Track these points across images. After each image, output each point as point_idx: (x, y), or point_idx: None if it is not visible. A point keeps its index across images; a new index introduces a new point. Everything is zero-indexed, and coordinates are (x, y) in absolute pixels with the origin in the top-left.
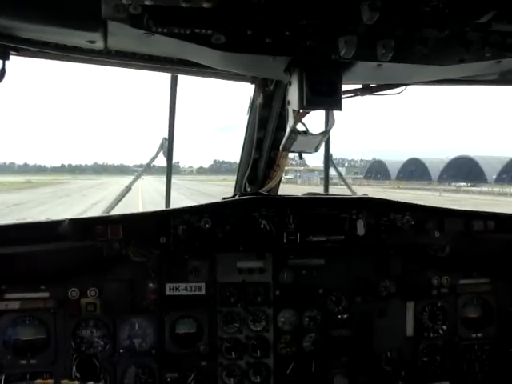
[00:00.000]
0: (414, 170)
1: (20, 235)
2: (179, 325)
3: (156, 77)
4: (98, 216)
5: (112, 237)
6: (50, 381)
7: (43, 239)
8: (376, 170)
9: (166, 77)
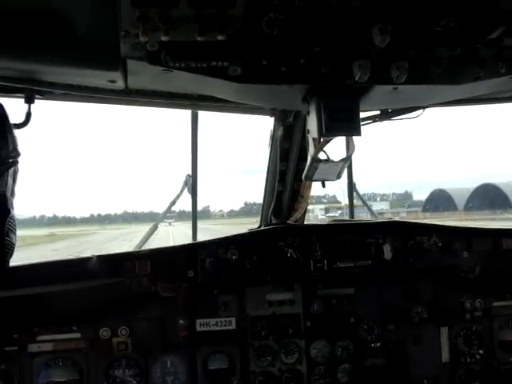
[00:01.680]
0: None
1: (48, 274)
2: (211, 360)
3: (177, 115)
4: (126, 252)
5: (140, 272)
6: None
7: (72, 277)
8: (435, 201)
9: (186, 114)
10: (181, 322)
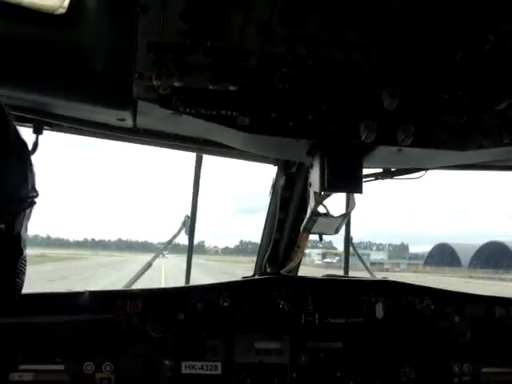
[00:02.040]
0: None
1: (38, 305)
2: None
3: (181, 154)
4: (119, 290)
5: (131, 311)
6: None
7: (62, 310)
8: (438, 256)
9: (190, 155)
10: (166, 362)
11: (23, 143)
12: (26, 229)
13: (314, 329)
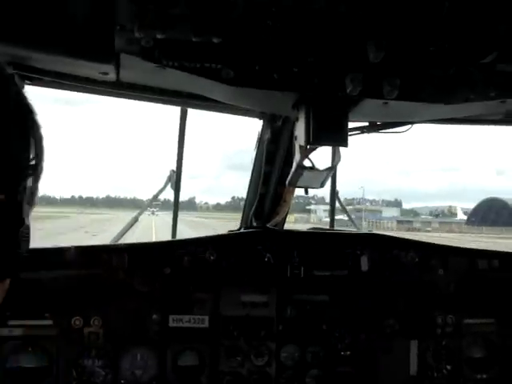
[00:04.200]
0: None
1: (26, 260)
2: (181, 357)
3: (166, 110)
4: (105, 244)
5: (117, 265)
6: None
7: (49, 266)
8: (484, 212)
9: (175, 110)
10: (154, 316)
11: (25, 106)
12: (33, 202)
13: (299, 282)
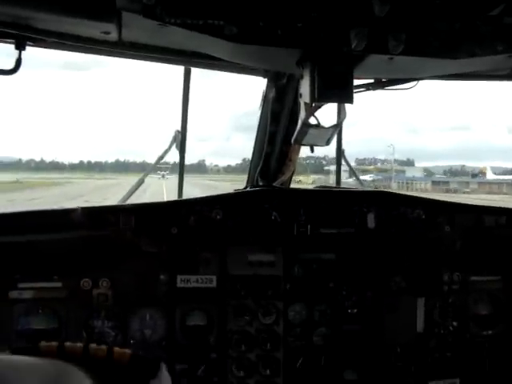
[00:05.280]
0: None
1: (33, 222)
2: (190, 317)
3: (172, 70)
4: (111, 205)
5: (124, 226)
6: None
7: (56, 227)
8: None
9: (181, 70)
10: (162, 277)
11: None
12: None
13: (306, 240)
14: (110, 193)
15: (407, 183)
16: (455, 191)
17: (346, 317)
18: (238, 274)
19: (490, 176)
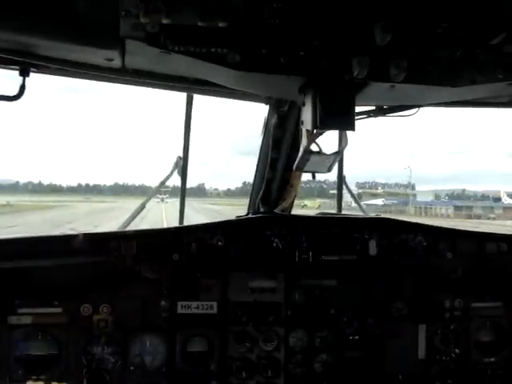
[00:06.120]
0: None
1: (34, 249)
2: (190, 343)
3: (173, 96)
4: (113, 231)
5: (125, 252)
6: None
7: (57, 253)
8: None
9: (182, 96)
10: (162, 303)
11: None
12: None
13: (307, 266)
14: (104, 218)
15: (425, 208)
16: (479, 217)
17: (348, 343)
18: (239, 300)
19: (505, 200)
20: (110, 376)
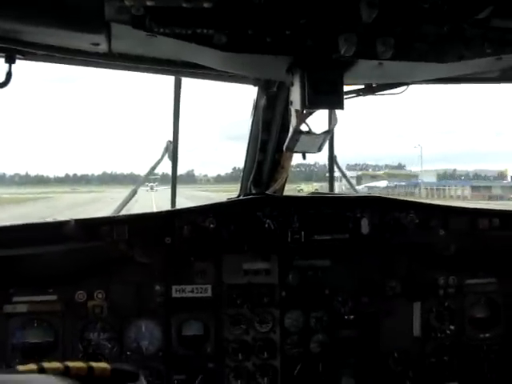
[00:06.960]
0: None
1: (26, 236)
2: (186, 327)
3: (161, 80)
4: (104, 216)
5: (118, 237)
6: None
7: (49, 240)
8: None
9: (170, 80)
10: (157, 287)
11: None
12: None
13: (300, 247)
14: (90, 210)
15: (437, 190)
16: (501, 197)
17: (343, 323)
18: (233, 282)
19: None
20: (107, 361)
